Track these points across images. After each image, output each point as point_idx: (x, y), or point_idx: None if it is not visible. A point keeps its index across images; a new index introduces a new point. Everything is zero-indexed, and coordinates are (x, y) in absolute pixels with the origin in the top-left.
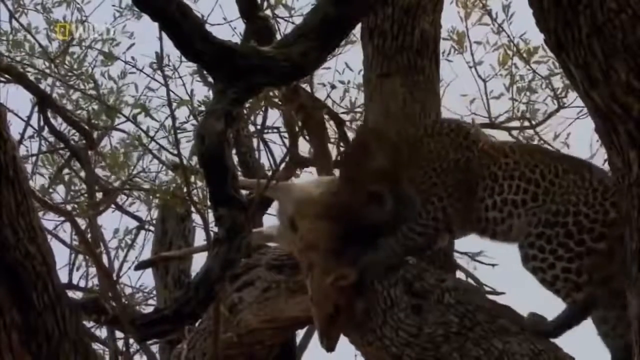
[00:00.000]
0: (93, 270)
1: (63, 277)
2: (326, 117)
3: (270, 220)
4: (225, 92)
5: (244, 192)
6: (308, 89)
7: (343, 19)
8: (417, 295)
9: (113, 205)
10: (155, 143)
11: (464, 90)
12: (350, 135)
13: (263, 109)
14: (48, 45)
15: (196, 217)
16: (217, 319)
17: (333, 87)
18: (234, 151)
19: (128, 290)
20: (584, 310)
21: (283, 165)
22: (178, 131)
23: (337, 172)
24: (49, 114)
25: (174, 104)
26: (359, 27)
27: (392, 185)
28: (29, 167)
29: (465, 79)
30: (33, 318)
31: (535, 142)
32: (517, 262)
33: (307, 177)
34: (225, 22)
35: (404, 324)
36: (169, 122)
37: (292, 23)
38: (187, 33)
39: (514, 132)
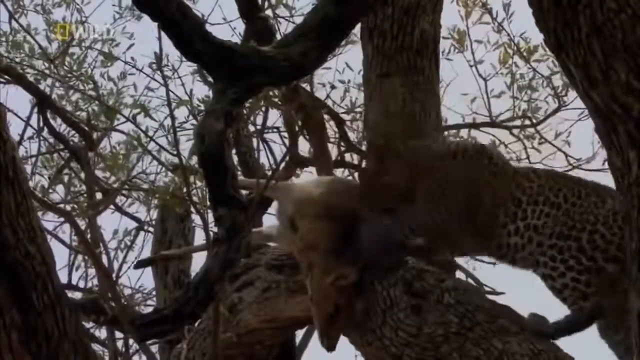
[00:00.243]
0: (92, 270)
1: (63, 278)
2: (326, 117)
3: (270, 220)
4: (225, 92)
5: (243, 192)
6: (308, 88)
7: (343, 18)
8: (416, 296)
9: (112, 206)
10: (154, 143)
11: (464, 89)
12: (351, 135)
13: (263, 109)
14: (47, 46)
15: (196, 217)
16: (216, 319)
17: (333, 87)
18: (234, 151)
19: (127, 291)
20: (589, 319)
21: (283, 165)
22: (177, 131)
23: (336, 172)
24: (49, 115)
25: (173, 104)
26: (359, 27)
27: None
28: (28, 168)
29: (465, 78)
30: (33, 318)
31: (536, 141)
32: None
33: (307, 177)
34: (225, 22)
35: (404, 324)
36: (168, 122)
37: (293, 23)
38: (187, 33)
39: (515, 131)
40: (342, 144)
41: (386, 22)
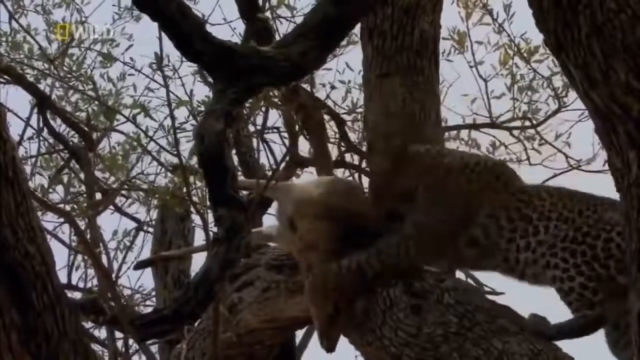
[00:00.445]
0: (92, 271)
1: (62, 278)
2: (326, 117)
3: (270, 220)
4: (224, 92)
5: (243, 192)
6: (309, 89)
7: (343, 18)
8: (416, 296)
9: (112, 207)
10: (154, 143)
11: (465, 90)
12: (352, 135)
13: (263, 109)
14: (47, 47)
15: (196, 217)
16: (216, 319)
17: (333, 87)
18: (234, 151)
19: (127, 292)
20: (591, 327)
21: (283, 165)
22: (177, 131)
23: (336, 172)
24: (49, 115)
25: (173, 104)
26: (358, 27)
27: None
28: (28, 168)
29: (466, 79)
30: (32, 318)
31: (537, 142)
32: None
33: (307, 177)
34: (225, 23)
35: (403, 324)
36: (168, 123)
37: (294, 23)
38: (187, 33)
39: (515, 132)
40: (343, 144)
41: (386, 22)
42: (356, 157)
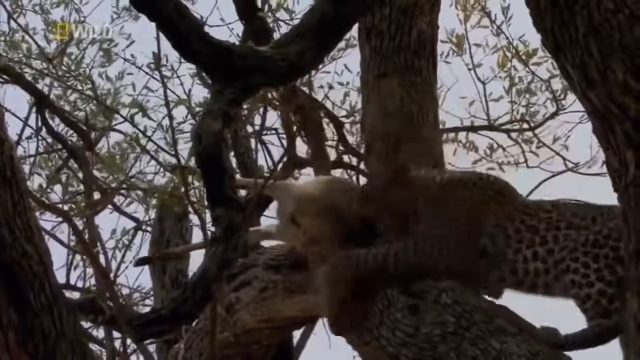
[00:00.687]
0: (90, 270)
1: (60, 277)
2: (324, 119)
3: (268, 220)
4: (222, 92)
5: (242, 191)
6: (307, 91)
7: (340, 19)
8: (414, 295)
9: (110, 206)
10: (152, 143)
11: (463, 92)
12: (350, 138)
13: (261, 110)
14: (46, 46)
15: (194, 217)
16: (213, 319)
17: (331, 87)
18: (232, 152)
19: (125, 291)
20: (606, 335)
21: (281, 166)
22: (176, 131)
23: (334, 173)
24: (47, 115)
25: (171, 104)
26: (356, 28)
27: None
28: (26, 168)
29: (464, 82)
30: (30, 318)
31: (534, 145)
32: None
33: (306, 178)
34: (223, 24)
35: (401, 324)
36: (166, 122)
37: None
38: (185, 33)
39: (513, 135)
40: (341, 146)
41: (384, 22)
42: (354, 159)
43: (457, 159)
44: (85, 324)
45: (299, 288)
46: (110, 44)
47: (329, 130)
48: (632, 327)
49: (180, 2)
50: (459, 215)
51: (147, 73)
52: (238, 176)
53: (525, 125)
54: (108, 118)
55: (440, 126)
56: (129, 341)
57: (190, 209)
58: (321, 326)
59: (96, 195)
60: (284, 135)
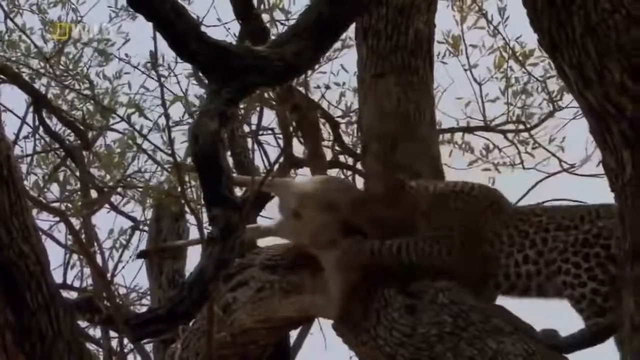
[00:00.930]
0: (87, 270)
1: (57, 277)
2: (321, 119)
3: (265, 220)
4: (219, 92)
5: (238, 189)
6: (303, 91)
7: (337, 18)
8: (411, 295)
9: (108, 206)
10: (149, 143)
11: (459, 93)
12: (346, 138)
13: (258, 109)
14: (43, 46)
15: (191, 217)
16: (210, 319)
17: (327, 87)
18: (228, 152)
19: (122, 291)
20: (602, 336)
21: (277, 165)
22: (172, 129)
23: (331, 173)
24: (44, 114)
25: (168, 103)
26: (353, 27)
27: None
28: (24, 167)
29: (460, 83)
30: (27, 318)
31: (530, 146)
32: None
33: (303, 178)
34: (220, 24)
35: (398, 324)
36: (163, 122)
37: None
38: (182, 33)
39: (509, 136)
40: (337, 146)
41: (380, 22)
42: (350, 160)
43: (453, 159)
44: (82, 324)
45: (296, 288)
46: (108, 44)
47: (325, 131)
48: (628, 327)
49: (177, 2)
50: (455, 223)
51: (143, 72)
52: (235, 175)
53: (521, 126)
54: (105, 117)
55: (437, 127)
56: (126, 341)
57: (187, 208)
58: (318, 326)
59: (93, 194)
60: (281, 135)
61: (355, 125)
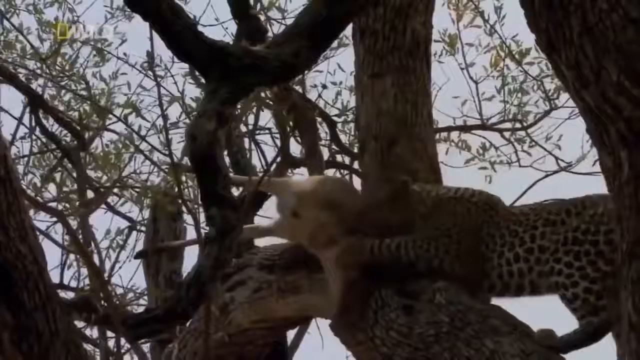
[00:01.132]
0: (84, 270)
1: (54, 277)
2: (318, 118)
3: (263, 220)
4: (216, 92)
5: (235, 189)
6: (300, 90)
7: (335, 19)
8: (408, 296)
9: (104, 206)
10: (146, 143)
11: (455, 92)
12: (342, 137)
13: (254, 109)
14: (40, 46)
15: (188, 217)
16: (208, 319)
17: (324, 87)
18: (225, 152)
19: (119, 291)
20: (596, 335)
21: (274, 165)
22: (169, 130)
23: (328, 172)
24: (41, 115)
25: (165, 104)
26: (350, 27)
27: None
28: (20, 168)
29: (457, 81)
30: (24, 317)
31: (527, 144)
32: None
33: (300, 177)
34: (217, 24)
35: (395, 324)
36: (160, 122)
37: (285, 25)
38: (179, 33)
39: (506, 134)
40: (334, 145)
41: (378, 22)
42: (347, 159)
43: (449, 158)
44: (79, 324)
45: (293, 288)
46: (104, 44)
47: (322, 130)
48: (625, 327)
49: (174, 1)
50: (454, 225)
51: (140, 71)
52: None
53: (518, 125)
54: (102, 118)
55: (434, 126)
56: (122, 341)
57: (184, 208)
58: (315, 326)
59: (90, 195)
60: (278, 135)
61: (352, 124)
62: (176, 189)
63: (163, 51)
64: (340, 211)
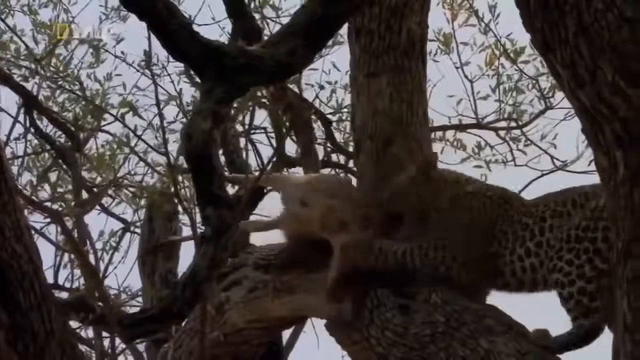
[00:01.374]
0: (78, 271)
1: (48, 278)
2: (313, 117)
3: (259, 219)
4: (212, 92)
5: (230, 186)
6: (296, 89)
7: (330, 18)
8: (404, 295)
9: (98, 207)
10: (143, 143)
11: (450, 91)
12: (337, 136)
13: (250, 109)
14: (34, 47)
15: (183, 217)
16: (203, 319)
17: (321, 87)
18: (220, 151)
19: (113, 292)
20: (590, 335)
21: (270, 165)
22: (166, 129)
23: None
24: (35, 116)
25: (162, 103)
26: (345, 26)
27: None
28: (14, 169)
29: (451, 80)
30: (19, 317)
31: (522, 143)
32: None
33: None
34: (213, 23)
35: (391, 324)
36: (157, 122)
37: (280, 24)
38: (174, 32)
39: (501, 133)
40: (329, 144)
41: (373, 21)
42: (342, 158)
43: (444, 157)
44: (74, 325)
45: (289, 288)
46: (100, 44)
47: (318, 129)
48: (621, 328)
49: (170, 0)
50: (464, 223)
51: (137, 70)
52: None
53: (513, 124)
54: (96, 118)
55: (429, 125)
56: (118, 341)
57: (180, 208)
58: (310, 326)
59: (85, 196)
60: (273, 135)
61: (346, 123)
62: (172, 189)
63: (160, 50)
64: (349, 197)
